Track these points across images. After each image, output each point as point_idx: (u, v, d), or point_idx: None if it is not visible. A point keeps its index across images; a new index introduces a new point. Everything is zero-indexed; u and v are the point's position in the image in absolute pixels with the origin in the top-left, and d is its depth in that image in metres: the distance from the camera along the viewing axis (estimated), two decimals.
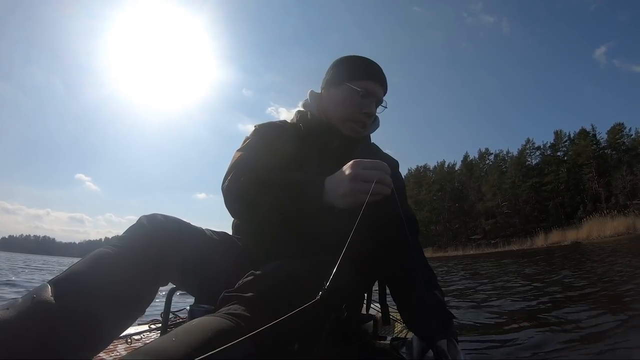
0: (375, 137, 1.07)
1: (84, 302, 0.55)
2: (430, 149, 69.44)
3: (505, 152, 36.56)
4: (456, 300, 3.18)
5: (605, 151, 30.52)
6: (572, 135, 32.66)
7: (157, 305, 0.86)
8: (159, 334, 1.18)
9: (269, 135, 0.93)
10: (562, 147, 33.07)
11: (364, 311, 1.12)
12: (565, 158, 32.13)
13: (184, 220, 0.76)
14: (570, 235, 20.53)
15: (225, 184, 0.80)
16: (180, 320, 1.28)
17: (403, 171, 1.18)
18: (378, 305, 1.01)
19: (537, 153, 34.11)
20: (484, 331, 1.91)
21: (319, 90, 1.00)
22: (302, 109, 0.99)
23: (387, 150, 1.09)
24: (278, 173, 0.78)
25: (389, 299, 0.95)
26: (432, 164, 42.17)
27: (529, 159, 34.17)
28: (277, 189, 0.73)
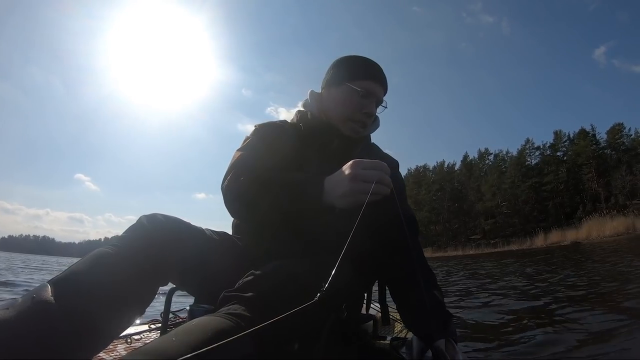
0: (375, 137, 1.07)
1: (84, 302, 0.55)
2: (430, 149, 69.56)
3: (504, 152, 36.67)
4: (459, 300, 3.17)
5: (605, 151, 30.55)
6: (571, 135, 32.76)
7: (157, 305, 0.86)
8: (158, 334, 1.18)
9: (269, 135, 0.93)
10: (561, 147, 33.12)
11: (363, 311, 1.12)
12: (565, 158, 32.16)
13: (184, 220, 0.76)
14: (569, 235, 20.56)
15: (225, 183, 0.80)
16: (180, 320, 1.28)
17: (403, 171, 1.18)
18: (378, 305, 1.02)
19: (537, 153, 34.21)
20: (488, 331, 1.91)
21: (319, 90, 1.00)
22: (302, 109, 0.99)
23: (387, 150, 1.09)
24: (278, 173, 0.78)
25: (389, 299, 0.95)
26: (431, 164, 42.30)
27: (528, 159, 34.20)
28: (276, 188, 0.73)
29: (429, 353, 0.75)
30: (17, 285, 4.53)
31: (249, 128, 1.03)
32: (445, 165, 40.47)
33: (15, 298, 0.57)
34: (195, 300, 0.81)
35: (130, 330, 1.23)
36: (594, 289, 3.00)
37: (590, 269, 4.97)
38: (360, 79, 0.89)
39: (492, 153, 37.73)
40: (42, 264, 14.60)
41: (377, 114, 0.95)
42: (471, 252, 25.95)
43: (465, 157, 39.77)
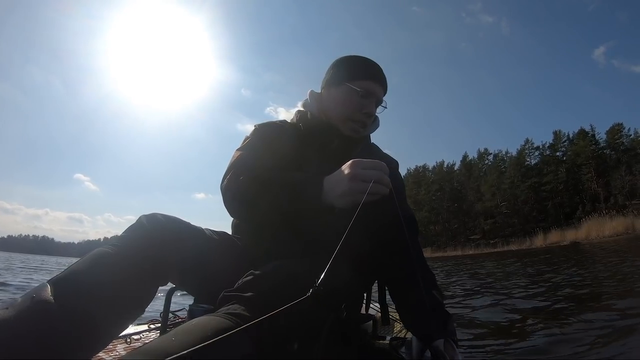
0: (375, 137, 1.07)
1: (84, 302, 0.55)
2: (430, 149, 69.68)
3: (504, 152, 36.72)
4: (461, 300, 3.17)
5: (604, 151, 30.58)
6: (571, 136, 32.80)
7: (156, 305, 0.86)
8: (158, 334, 1.18)
9: (268, 135, 0.92)
10: (561, 147, 33.16)
11: (363, 311, 1.12)
12: (565, 158, 32.19)
13: (184, 220, 0.76)
14: (569, 236, 20.57)
15: (225, 183, 0.80)
16: (180, 320, 1.28)
17: (402, 171, 1.18)
18: (377, 305, 1.02)
19: (536, 153, 34.25)
20: (491, 331, 1.90)
21: (318, 90, 1.00)
22: (302, 109, 0.99)
23: (386, 150, 1.09)
24: (277, 173, 0.78)
25: (388, 299, 0.95)
26: (431, 164, 42.32)
27: (528, 159, 34.23)
28: (276, 188, 0.73)
29: (428, 353, 0.75)
30: (14, 286, 4.51)
31: (249, 128, 1.03)
32: (445, 165, 40.50)
33: (14, 298, 0.57)
34: (194, 300, 0.81)
35: (129, 330, 1.23)
36: (598, 288, 2.99)
37: (592, 269, 4.96)
38: (360, 79, 0.89)
39: (491, 153, 37.83)
40: (42, 264, 14.58)
41: (377, 114, 0.95)
42: (471, 252, 25.97)
43: (465, 157, 39.85)
